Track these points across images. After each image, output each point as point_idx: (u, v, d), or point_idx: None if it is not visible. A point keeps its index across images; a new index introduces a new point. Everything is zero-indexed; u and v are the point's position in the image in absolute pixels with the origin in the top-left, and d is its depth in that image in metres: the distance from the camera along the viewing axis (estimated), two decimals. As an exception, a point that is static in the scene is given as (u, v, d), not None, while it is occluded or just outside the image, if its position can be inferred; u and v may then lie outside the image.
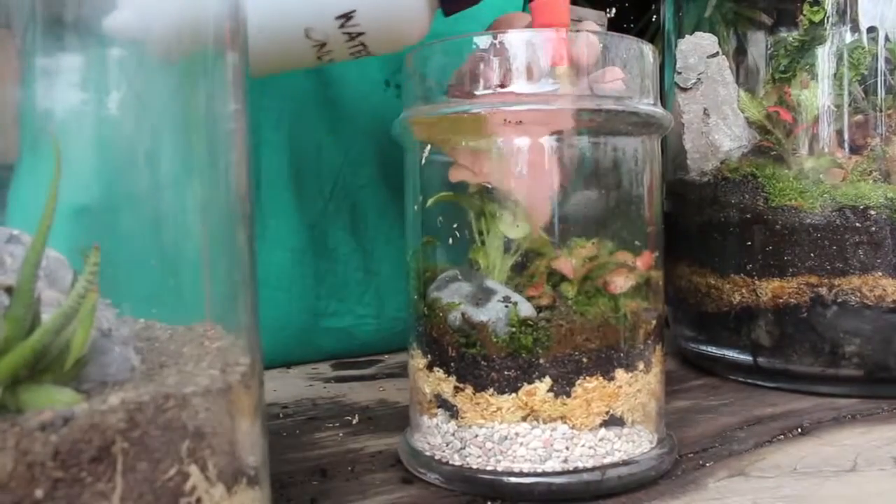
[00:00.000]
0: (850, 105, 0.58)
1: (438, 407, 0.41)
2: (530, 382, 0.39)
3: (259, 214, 0.72)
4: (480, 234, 0.42)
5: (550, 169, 0.40)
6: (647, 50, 0.42)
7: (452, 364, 0.40)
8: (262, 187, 0.71)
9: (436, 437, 0.41)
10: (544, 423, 0.39)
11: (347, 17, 0.43)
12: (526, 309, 0.39)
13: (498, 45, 0.39)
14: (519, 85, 0.39)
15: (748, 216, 0.59)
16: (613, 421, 0.40)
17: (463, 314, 0.40)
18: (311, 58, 0.46)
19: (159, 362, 0.26)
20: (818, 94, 0.58)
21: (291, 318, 0.73)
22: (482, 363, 0.39)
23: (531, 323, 0.39)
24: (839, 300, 0.56)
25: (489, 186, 0.41)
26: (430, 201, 0.43)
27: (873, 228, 0.55)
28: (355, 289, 0.77)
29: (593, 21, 0.47)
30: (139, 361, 0.24)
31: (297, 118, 0.72)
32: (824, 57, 0.58)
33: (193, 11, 0.28)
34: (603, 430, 0.39)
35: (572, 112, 0.39)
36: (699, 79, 0.63)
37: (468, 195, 0.42)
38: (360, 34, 0.44)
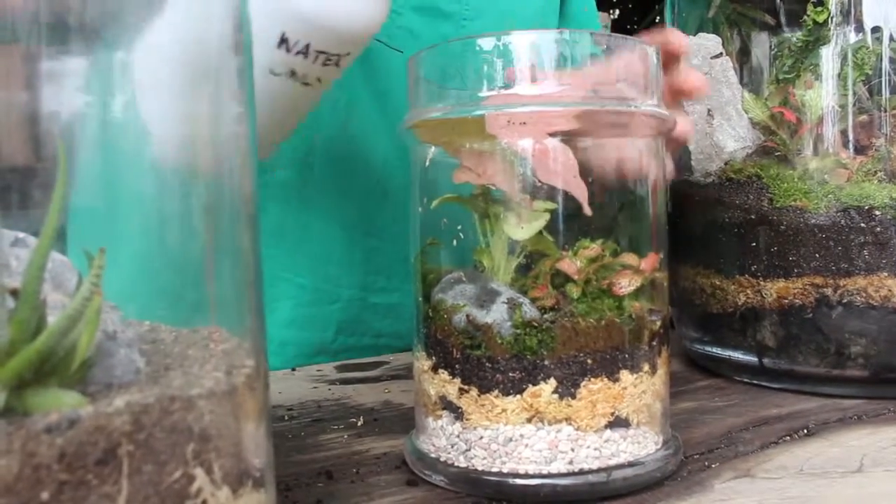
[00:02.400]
0: (854, 105, 0.58)
1: (443, 409, 0.41)
2: (535, 384, 0.39)
3: (313, 191, 0.77)
4: (485, 235, 0.42)
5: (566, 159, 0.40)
6: (651, 51, 0.42)
7: (457, 366, 0.40)
8: (316, 167, 0.77)
9: (441, 438, 0.41)
10: (549, 424, 0.39)
11: (283, 40, 0.44)
12: (530, 310, 0.39)
13: (501, 47, 0.39)
14: (523, 86, 0.39)
15: (753, 217, 0.59)
16: (619, 422, 0.40)
17: (467, 316, 0.40)
18: (300, 89, 0.47)
19: (164, 365, 0.26)
20: (822, 94, 0.58)
21: (341, 291, 0.78)
22: (487, 365, 0.39)
23: (536, 324, 0.39)
24: (844, 301, 0.56)
25: (493, 188, 0.41)
26: (434, 203, 0.43)
27: (878, 229, 0.55)
28: (403, 267, 0.80)
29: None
30: (144, 364, 0.25)
31: (351, 105, 0.77)
32: (828, 57, 0.58)
33: (198, 16, 0.28)
34: (608, 432, 0.39)
35: (576, 113, 0.39)
36: (703, 79, 0.63)
37: (472, 197, 0.42)
38: (307, 46, 0.44)
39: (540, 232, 0.40)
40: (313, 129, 0.76)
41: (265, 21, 0.43)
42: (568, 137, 0.40)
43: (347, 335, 0.78)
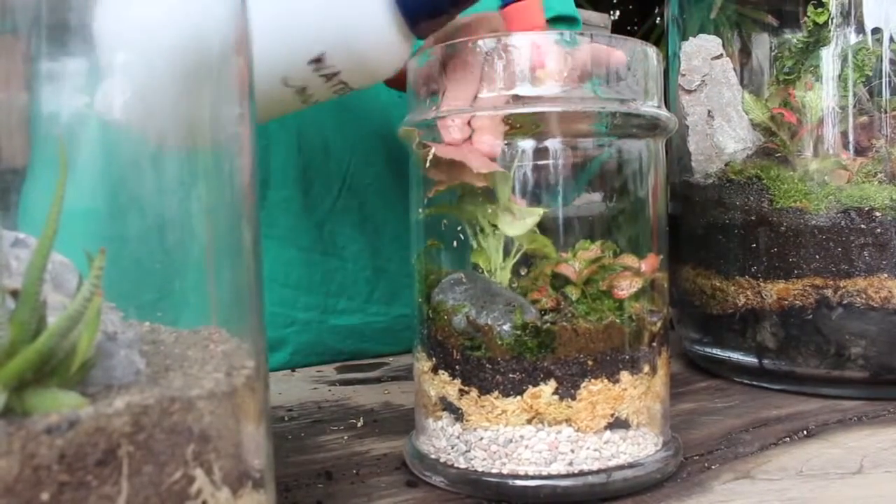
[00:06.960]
0: (854, 106, 0.58)
1: (443, 410, 0.41)
2: (535, 385, 0.39)
3: (269, 213, 0.73)
4: (475, 237, 0.42)
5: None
6: (651, 52, 0.42)
7: (457, 367, 0.40)
8: (272, 186, 0.73)
9: (441, 439, 0.41)
10: (549, 425, 0.39)
11: (318, 60, 0.44)
12: (530, 312, 0.39)
13: (501, 49, 0.39)
14: (523, 87, 0.39)
15: (753, 218, 0.59)
16: (618, 423, 0.40)
17: (467, 317, 0.40)
18: (296, 103, 0.47)
19: (164, 365, 0.26)
20: (823, 95, 0.58)
21: (297, 314, 0.75)
22: (487, 366, 0.39)
23: (535, 326, 0.39)
24: (844, 302, 0.56)
25: (486, 188, 0.41)
26: (421, 214, 0.43)
27: (878, 230, 0.55)
28: (364, 287, 0.78)
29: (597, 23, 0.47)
30: (144, 365, 0.24)
31: (304, 117, 0.73)
32: (829, 58, 0.58)
33: (199, 15, 0.28)
34: (608, 433, 0.39)
35: (577, 115, 0.39)
36: (703, 81, 0.63)
37: (459, 203, 0.42)
38: (335, 74, 0.44)
39: (534, 231, 0.40)
40: (268, 146, 0.73)
41: (307, 34, 0.43)
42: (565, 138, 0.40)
43: (304, 356, 0.75)
